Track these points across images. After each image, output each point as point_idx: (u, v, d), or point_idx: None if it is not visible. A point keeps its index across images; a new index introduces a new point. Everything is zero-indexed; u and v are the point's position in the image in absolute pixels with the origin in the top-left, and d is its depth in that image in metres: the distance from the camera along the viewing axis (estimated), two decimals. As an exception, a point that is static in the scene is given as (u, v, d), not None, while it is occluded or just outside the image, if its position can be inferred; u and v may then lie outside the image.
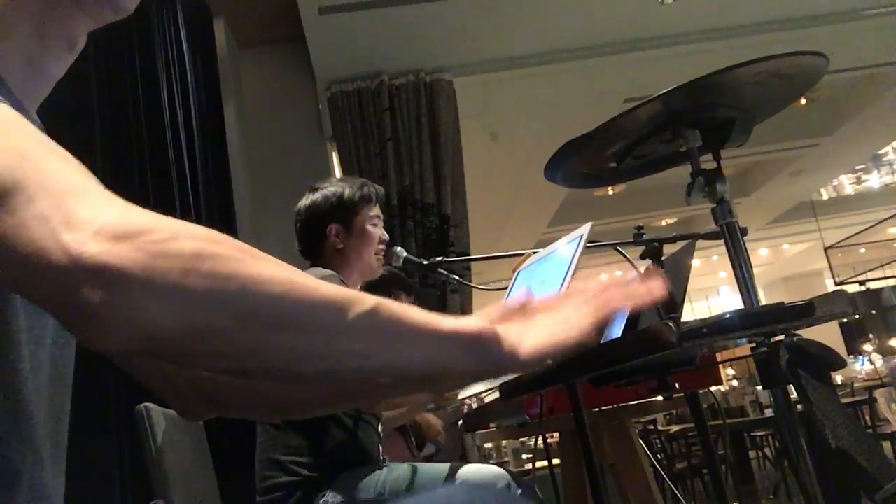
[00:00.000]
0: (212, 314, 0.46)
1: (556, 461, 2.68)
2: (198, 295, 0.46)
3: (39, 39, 0.68)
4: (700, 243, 1.45)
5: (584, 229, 1.14)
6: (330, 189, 1.85)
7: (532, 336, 0.61)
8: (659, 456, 5.93)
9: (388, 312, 0.53)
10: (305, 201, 1.86)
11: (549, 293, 1.11)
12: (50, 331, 0.66)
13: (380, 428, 1.83)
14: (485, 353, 0.58)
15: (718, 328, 0.74)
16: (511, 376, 0.63)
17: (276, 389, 0.75)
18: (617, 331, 1.09)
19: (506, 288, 1.39)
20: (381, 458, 1.81)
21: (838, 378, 8.82)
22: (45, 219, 0.45)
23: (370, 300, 0.53)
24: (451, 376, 0.58)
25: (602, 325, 0.64)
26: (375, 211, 1.87)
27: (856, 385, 8.02)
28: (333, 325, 0.51)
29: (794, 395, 0.88)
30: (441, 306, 3.84)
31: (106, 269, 0.44)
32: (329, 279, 1.76)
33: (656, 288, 0.67)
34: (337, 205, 1.83)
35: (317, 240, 1.83)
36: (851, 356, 12.49)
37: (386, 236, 1.89)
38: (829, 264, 10.71)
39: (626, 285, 0.68)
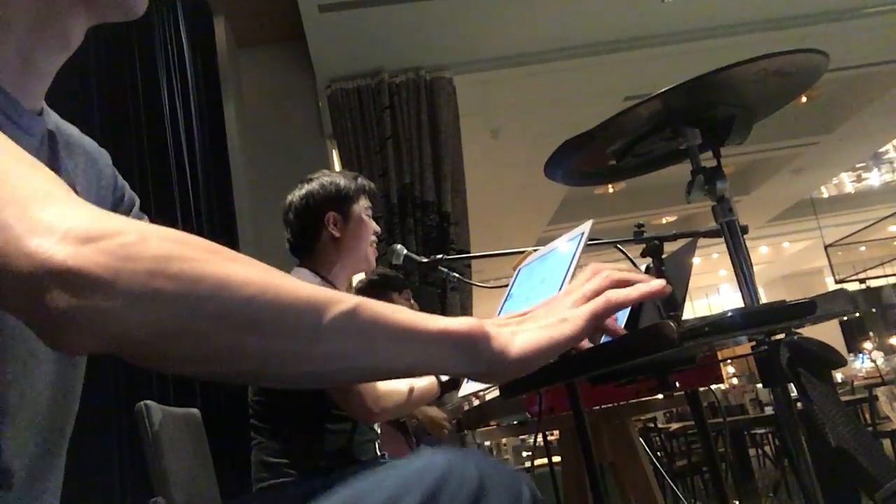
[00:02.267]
0: (182, 316, 0.45)
1: (556, 459, 2.68)
2: (166, 297, 0.44)
3: (37, 35, 0.66)
4: (700, 241, 1.45)
5: (585, 227, 1.13)
6: (325, 179, 1.85)
7: (524, 334, 0.59)
8: (659, 454, 5.93)
9: (370, 312, 0.51)
10: (299, 191, 1.85)
11: (549, 294, 1.12)
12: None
13: (377, 425, 1.83)
14: (475, 354, 0.56)
15: (720, 327, 0.74)
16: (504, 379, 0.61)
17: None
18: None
19: (506, 286, 1.39)
20: (381, 454, 1.81)
21: (839, 376, 8.83)
22: (8, 227, 0.44)
23: (351, 300, 0.51)
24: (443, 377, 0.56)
25: (600, 322, 0.63)
26: (368, 203, 1.88)
27: (856, 383, 8.03)
28: (312, 326, 0.49)
29: (794, 393, 0.88)
30: (441, 304, 3.84)
31: (71, 272, 0.43)
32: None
33: (656, 284, 0.66)
34: (335, 193, 1.82)
35: (313, 229, 1.82)
36: (852, 354, 12.50)
37: (378, 229, 1.89)
38: (830, 262, 10.72)
39: (625, 281, 0.66)
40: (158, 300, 0.44)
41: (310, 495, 0.53)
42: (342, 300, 0.50)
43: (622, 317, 1.08)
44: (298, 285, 0.49)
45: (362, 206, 1.85)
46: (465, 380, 1.22)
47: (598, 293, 0.65)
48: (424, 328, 0.54)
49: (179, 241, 0.47)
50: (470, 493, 0.47)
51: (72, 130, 0.76)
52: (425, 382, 1.76)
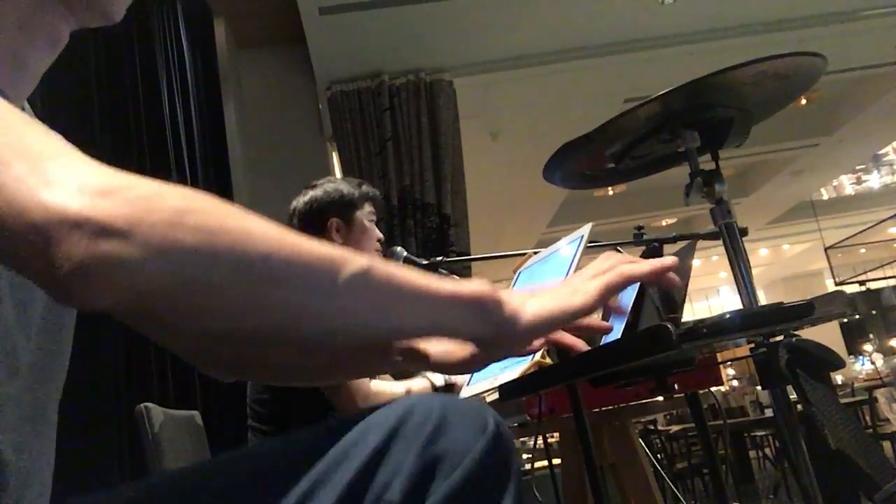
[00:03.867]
0: (202, 268, 0.44)
1: (556, 461, 2.68)
2: (186, 248, 0.44)
3: (24, 34, 0.67)
4: (700, 243, 1.45)
5: (585, 230, 1.14)
6: (329, 186, 1.86)
7: (535, 300, 0.59)
8: (659, 456, 5.93)
9: (384, 272, 0.52)
10: (303, 198, 1.86)
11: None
12: (39, 307, 0.65)
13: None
14: (485, 316, 0.56)
15: (719, 329, 0.74)
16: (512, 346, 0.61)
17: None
18: (617, 331, 1.09)
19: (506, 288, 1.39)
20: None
21: (838, 378, 8.82)
22: (22, 179, 0.44)
23: (364, 259, 0.51)
24: (452, 339, 0.55)
25: (611, 296, 0.63)
26: (372, 209, 1.88)
27: (856, 385, 8.03)
28: (328, 282, 0.49)
29: (793, 395, 0.88)
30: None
31: (88, 221, 0.42)
32: None
33: (668, 260, 0.67)
34: (338, 200, 1.83)
35: (316, 235, 1.82)
36: (851, 356, 12.50)
37: (381, 235, 1.90)
38: (830, 264, 10.72)
39: (635, 260, 0.67)
40: (178, 251, 0.44)
41: (278, 451, 0.53)
42: (357, 259, 0.51)
43: (629, 298, 1.08)
44: (313, 243, 0.50)
45: (366, 212, 1.85)
46: (466, 382, 1.22)
47: (609, 264, 0.65)
48: (437, 289, 0.54)
49: (195, 196, 0.47)
50: (433, 424, 0.48)
51: None
52: (418, 386, 1.77)
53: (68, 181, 0.44)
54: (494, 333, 0.57)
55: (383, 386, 1.69)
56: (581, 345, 0.72)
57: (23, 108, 0.70)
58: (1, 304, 0.60)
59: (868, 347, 13.62)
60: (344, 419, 0.51)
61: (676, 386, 1.48)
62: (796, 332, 0.86)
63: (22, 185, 0.44)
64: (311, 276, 0.48)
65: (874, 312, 13.35)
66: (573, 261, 1.12)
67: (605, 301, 0.62)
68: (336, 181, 1.89)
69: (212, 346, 0.49)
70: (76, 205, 0.43)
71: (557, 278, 1.13)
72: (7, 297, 0.61)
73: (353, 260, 0.50)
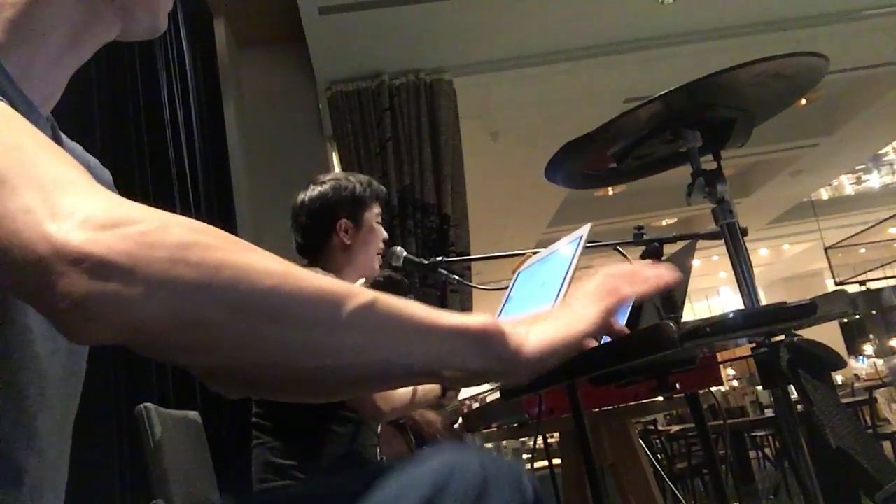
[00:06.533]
0: (201, 305, 0.44)
1: (556, 461, 2.68)
2: (186, 285, 0.44)
3: (71, 44, 0.67)
4: (700, 243, 1.45)
5: (584, 230, 1.14)
6: (340, 182, 1.80)
7: (538, 332, 0.59)
8: (659, 456, 5.93)
9: (386, 307, 0.51)
10: (311, 193, 1.80)
11: (549, 296, 1.12)
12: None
13: (378, 428, 1.83)
14: (489, 350, 0.56)
15: (720, 328, 0.74)
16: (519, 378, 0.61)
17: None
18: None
19: (506, 288, 1.39)
20: (379, 457, 1.81)
21: (839, 378, 8.83)
22: (29, 210, 0.44)
23: (368, 294, 0.51)
24: (456, 374, 0.55)
25: (610, 318, 0.63)
26: (379, 209, 1.85)
27: (856, 385, 8.03)
28: (330, 318, 0.48)
29: (794, 395, 0.88)
30: (441, 306, 3.84)
31: (90, 257, 0.43)
32: None
33: (664, 273, 0.67)
34: (349, 199, 1.78)
35: (324, 233, 1.78)
36: (852, 356, 12.49)
37: (386, 235, 1.88)
38: (830, 264, 10.72)
39: (633, 274, 0.67)
40: (179, 288, 0.44)
41: (315, 497, 0.53)
42: (360, 294, 0.50)
43: (622, 315, 1.08)
44: (317, 277, 0.49)
45: (374, 213, 1.82)
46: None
47: (608, 287, 0.65)
48: (440, 324, 0.54)
49: (200, 230, 0.47)
50: (474, 489, 0.47)
51: (74, 146, 0.77)
52: (428, 388, 1.76)
53: (74, 213, 0.44)
54: (499, 368, 0.57)
55: None
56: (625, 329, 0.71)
57: (47, 119, 0.70)
58: (24, 313, 0.60)
59: (868, 347, 13.61)
60: (380, 470, 0.50)
61: (677, 385, 1.48)
62: (797, 332, 0.86)
63: (28, 216, 0.44)
64: (313, 312, 0.48)
65: (874, 312, 13.34)
66: (572, 261, 1.12)
67: (607, 325, 0.63)
68: (345, 177, 1.83)
69: (212, 373, 0.49)
70: (78, 239, 0.43)
71: (556, 280, 1.13)
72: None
73: (357, 294, 0.50)
